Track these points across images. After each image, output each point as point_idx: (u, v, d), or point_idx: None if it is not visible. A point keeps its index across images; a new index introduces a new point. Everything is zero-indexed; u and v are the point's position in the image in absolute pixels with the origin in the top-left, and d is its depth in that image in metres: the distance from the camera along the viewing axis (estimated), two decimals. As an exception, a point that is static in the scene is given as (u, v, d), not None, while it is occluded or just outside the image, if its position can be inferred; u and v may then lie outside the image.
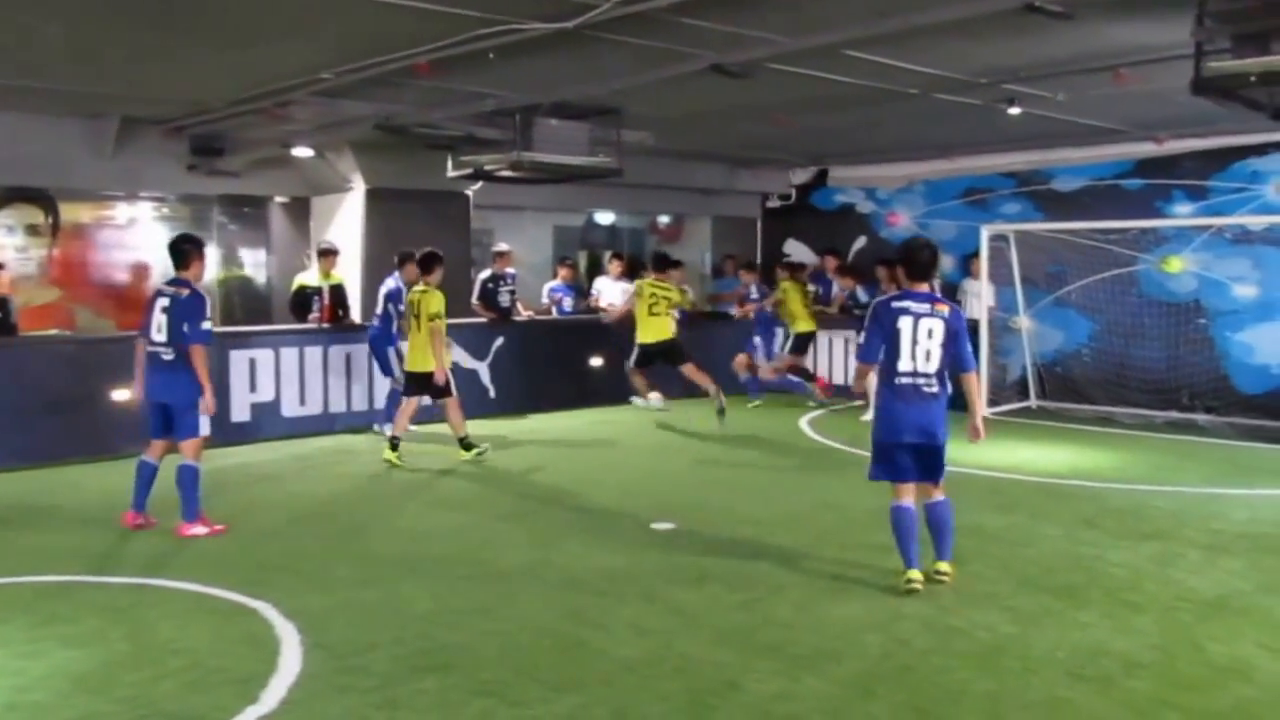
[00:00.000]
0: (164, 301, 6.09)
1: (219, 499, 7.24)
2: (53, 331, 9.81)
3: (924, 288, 5.12)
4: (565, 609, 4.86)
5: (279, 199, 12.25)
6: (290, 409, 9.55)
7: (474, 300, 10.92)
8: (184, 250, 6.21)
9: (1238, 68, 5.13)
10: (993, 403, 11.01)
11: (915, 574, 5.04)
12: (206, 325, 6.08)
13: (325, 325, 9.84)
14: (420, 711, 3.78)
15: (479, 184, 10.66)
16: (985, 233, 11.25)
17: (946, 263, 13.12)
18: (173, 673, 4.13)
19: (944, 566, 5.18)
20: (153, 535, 6.22)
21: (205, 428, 6.16)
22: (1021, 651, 4.32)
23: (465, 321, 10.47)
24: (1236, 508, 6.84)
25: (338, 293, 10.06)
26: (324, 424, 9.72)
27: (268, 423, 9.40)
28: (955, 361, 5.05)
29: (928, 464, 5.09)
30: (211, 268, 12.30)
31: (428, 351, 8.07)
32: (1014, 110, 8.77)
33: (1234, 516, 6.59)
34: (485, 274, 11.24)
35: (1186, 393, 10.61)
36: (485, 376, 10.81)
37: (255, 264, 12.85)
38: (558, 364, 11.36)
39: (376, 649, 4.35)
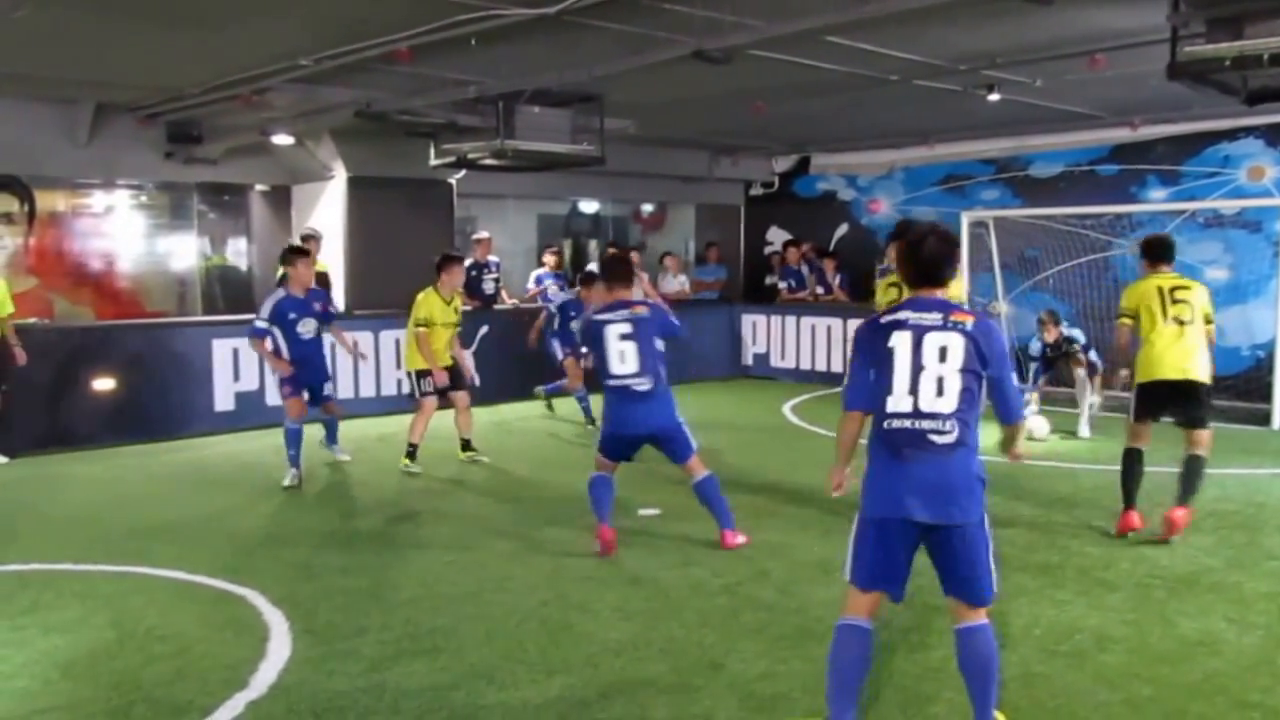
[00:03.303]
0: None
1: (203, 489, 7.25)
2: (31, 321, 9.72)
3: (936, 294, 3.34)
4: (551, 593, 4.91)
5: (259, 187, 12.16)
6: (274, 398, 9.49)
7: (458, 289, 10.92)
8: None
9: (1212, 52, 5.18)
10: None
11: None
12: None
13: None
14: (409, 695, 3.81)
15: (462, 172, 10.63)
16: (965, 220, 11.32)
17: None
18: (159, 659, 4.14)
19: None
20: (134, 524, 6.22)
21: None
22: (999, 628, 4.37)
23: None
24: (1206, 486, 6.89)
25: (321, 280, 10.00)
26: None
27: (252, 412, 9.38)
28: (996, 409, 3.39)
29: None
30: (192, 256, 12.27)
31: (411, 350, 8.03)
32: (993, 96, 8.84)
33: (1204, 495, 6.67)
34: (467, 262, 11.25)
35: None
36: (471, 365, 10.81)
37: (236, 252, 12.77)
38: (543, 351, 11.34)
39: (364, 634, 4.39)
